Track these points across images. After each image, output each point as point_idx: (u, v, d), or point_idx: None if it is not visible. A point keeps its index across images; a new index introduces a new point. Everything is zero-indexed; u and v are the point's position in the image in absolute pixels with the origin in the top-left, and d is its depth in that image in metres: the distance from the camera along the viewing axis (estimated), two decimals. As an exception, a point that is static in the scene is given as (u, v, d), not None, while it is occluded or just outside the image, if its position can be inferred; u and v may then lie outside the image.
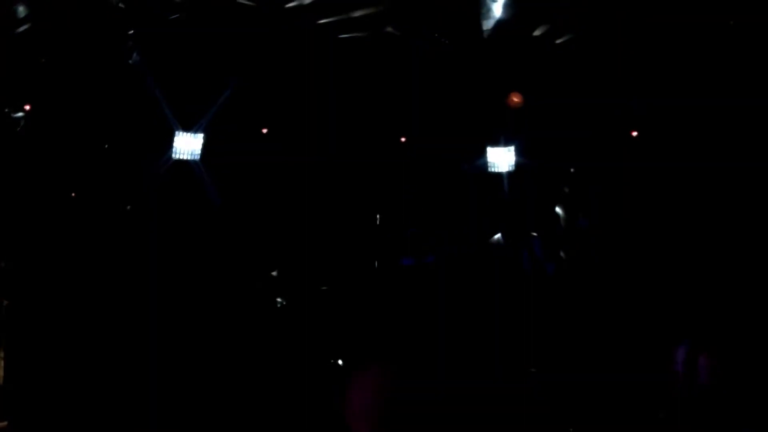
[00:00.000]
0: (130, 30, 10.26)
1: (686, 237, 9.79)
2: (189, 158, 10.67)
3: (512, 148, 11.23)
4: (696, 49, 10.27)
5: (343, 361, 8.05)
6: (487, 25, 10.60)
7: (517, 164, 11.26)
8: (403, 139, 11.58)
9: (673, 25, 10.03)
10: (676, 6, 9.71)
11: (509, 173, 11.24)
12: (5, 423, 7.69)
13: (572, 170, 11.09)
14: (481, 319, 8.38)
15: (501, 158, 11.29)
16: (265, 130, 11.30)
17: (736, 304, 7.71)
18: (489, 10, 10.56)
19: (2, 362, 8.28)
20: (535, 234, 9.96)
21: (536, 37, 10.81)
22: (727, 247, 9.39)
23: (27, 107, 10.26)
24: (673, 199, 10.34)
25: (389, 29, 10.90)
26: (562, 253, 10.04)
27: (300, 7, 10.42)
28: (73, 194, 10.49)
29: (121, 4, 10.06)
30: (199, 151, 10.70)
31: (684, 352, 4.78)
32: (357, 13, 10.63)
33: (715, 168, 10.23)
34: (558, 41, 10.77)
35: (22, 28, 9.81)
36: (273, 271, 10.63)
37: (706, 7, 9.55)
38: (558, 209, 10.65)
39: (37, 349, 8.72)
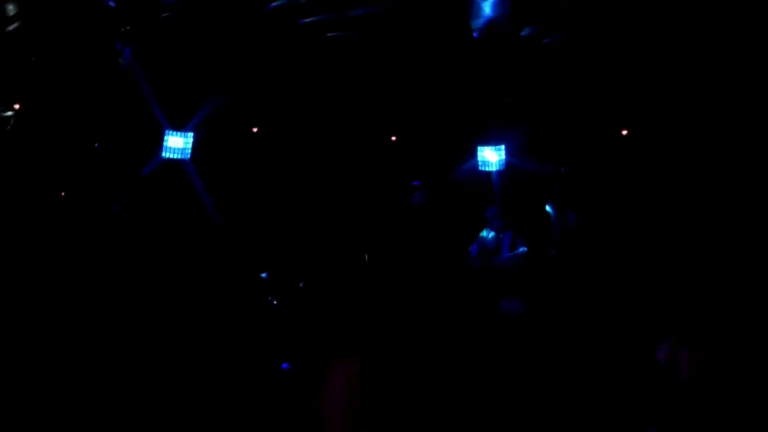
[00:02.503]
0: (121, 29, 10.25)
1: (672, 234, 9.83)
2: (179, 157, 10.66)
3: (503, 148, 11.24)
4: (692, 51, 10.28)
5: (320, 352, 8.03)
6: (477, 24, 10.61)
7: (508, 164, 11.28)
8: (393, 138, 11.63)
9: (667, 26, 10.03)
10: (671, 6, 9.71)
11: (499, 172, 11.26)
12: None
13: (562, 170, 11.09)
14: (463, 315, 8.40)
15: (492, 157, 11.30)
16: (255, 129, 11.35)
17: (718, 299, 7.74)
18: (479, 10, 10.57)
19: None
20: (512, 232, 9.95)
21: (527, 37, 10.82)
22: (712, 244, 9.43)
23: (16, 106, 10.26)
24: (662, 198, 10.38)
25: (379, 30, 10.92)
26: (551, 252, 10.05)
27: (291, 7, 10.42)
28: (63, 193, 10.50)
29: (111, 3, 10.05)
30: (190, 151, 10.70)
31: (666, 348, 4.76)
32: (347, 14, 10.64)
33: (704, 170, 10.28)
34: (548, 41, 10.78)
35: (11, 27, 9.81)
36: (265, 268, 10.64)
37: (703, 8, 9.54)
38: (548, 208, 10.66)
39: (28, 349, 8.70)
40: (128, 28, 10.20)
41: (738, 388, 4.51)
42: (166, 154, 10.66)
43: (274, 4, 10.15)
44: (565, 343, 8.36)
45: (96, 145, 10.67)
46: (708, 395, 4.48)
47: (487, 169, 11.28)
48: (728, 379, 4.44)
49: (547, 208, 10.67)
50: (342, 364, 3.59)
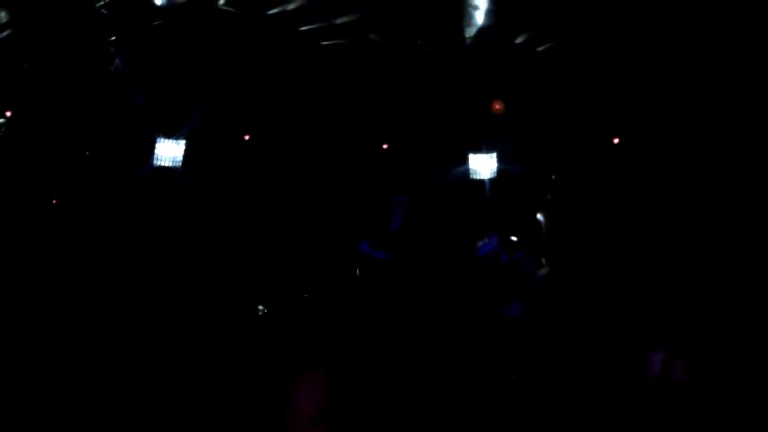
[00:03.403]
0: (113, 36, 10.24)
1: (666, 238, 9.84)
2: (170, 165, 10.65)
3: (494, 155, 11.27)
4: (690, 52, 10.30)
5: (287, 362, 7.99)
6: (470, 32, 10.64)
7: (499, 171, 11.31)
8: (385, 146, 11.63)
9: (656, 29, 10.06)
10: (660, 8, 9.72)
11: (491, 180, 11.29)
12: None
13: (554, 177, 11.13)
14: (456, 321, 8.40)
15: (483, 165, 11.32)
16: (247, 137, 11.34)
17: (714, 305, 7.74)
18: (471, 17, 10.60)
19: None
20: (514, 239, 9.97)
21: (518, 44, 10.86)
22: (708, 249, 9.43)
23: (8, 113, 10.24)
24: (655, 202, 10.42)
25: (372, 36, 10.93)
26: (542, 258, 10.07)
27: (282, 14, 10.44)
28: (54, 201, 10.48)
29: (103, 10, 10.05)
30: (181, 158, 10.68)
31: (661, 354, 4.78)
32: (339, 20, 10.66)
33: (697, 169, 10.29)
34: (540, 48, 10.82)
35: (3, 34, 9.79)
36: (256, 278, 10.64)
37: (697, 9, 9.55)
38: (539, 215, 10.69)
39: (25, 352, 8.68)
40: (120, 35, 10.20)
41: (733, 394, 4.52)
42: (157, 162, 10.65)
43: (271, 11, 10.18)
44: (559, 346, 8.37)
45: (88, 152, 10.65)
46: (702, 401, 4.48)
47: (478, 176, 11.32)
48: (722, 385, 4.44)
49: (538, 215, 10.71)
50: (309, 376, 3.56)
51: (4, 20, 9.72)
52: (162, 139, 10.63)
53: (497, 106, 11.06)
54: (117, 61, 10.29)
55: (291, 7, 10.41)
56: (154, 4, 10.10)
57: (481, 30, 10.64)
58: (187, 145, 10.66)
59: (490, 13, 10.46)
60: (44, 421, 7.40)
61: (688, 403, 4.45)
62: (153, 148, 10.58)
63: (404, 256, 10.18)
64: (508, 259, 9.69)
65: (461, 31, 10.64)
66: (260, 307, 10.33)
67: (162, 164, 10.64)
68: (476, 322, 8.88)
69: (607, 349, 7.52)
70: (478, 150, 11.30)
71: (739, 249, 9.39)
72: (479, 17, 10.60)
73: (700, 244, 9.56)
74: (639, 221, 10.46)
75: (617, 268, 9.87)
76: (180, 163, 10.69)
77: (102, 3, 9.93)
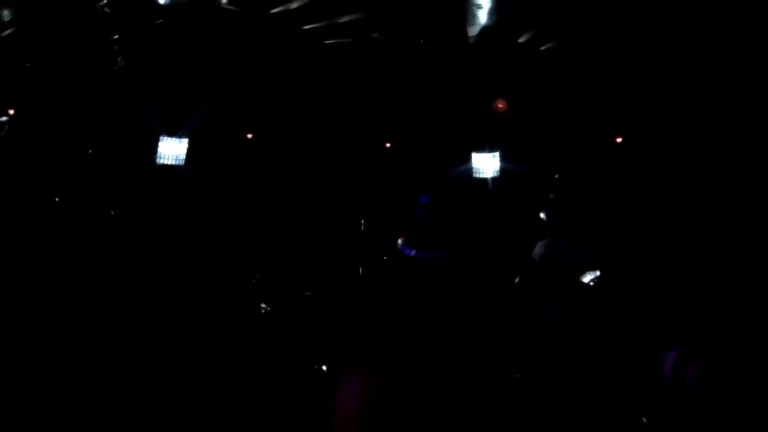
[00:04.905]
0: (116, 35, 10.23)
1: (680, 237, 9.83)
2: (173, 163, 10.64)
3: (497, 154, 11.27)
4: (681, 57, 10.31)
5: (331, 363, 8.02)
6: (473, 31, 10.63)
7: (502, 170, 11.31)
8: (387, 145, 11.64)
9: (661, 30, 10.06)
10: (666, 9, 9.72)
11: (494, 179, 11.29)
12: None
13: (557, 176, 11.14)
14: (470, 321, 8.39)
15: (486, 164, 11.32)
16: (249, 135, 11.34)
17: (729, 311, 7.67)
18: (475, 16, 10.58)
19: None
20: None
21: (522, 43, 10.85)
22: (720, 249, 9.40)
23: (11, 111, 10.24)
24: (664, 199, 10.42)
25: (374, 35, 10.92)
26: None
27: (285, 13, 10.43)
28: (56, 199, 10.48)
29: (106, 9, 10.03)
30: (184, 156, 10.68)
31: (673, 358, 4.71)
32: (342, 19, 10.64)
33: (708, 166, 10.29)
34: (543, 47, 10.81)
35: (6, 32, 9.78)
36: (257, 275, 10.62)
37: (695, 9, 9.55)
38: (542, 214, 10.67)
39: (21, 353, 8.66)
40: (123, 33, 10.18)
41: (752, 405, 4.39)
42: (160, 160, 10.65)
43: (273, 10, 10.15)
44: (560, 345, 8.36)
45: (90, 150, 10.65)
46: (717, 413, 4.35)
47: (481, 175, 11.32)
48: (740, 395, 4.31)
49: (542, 215, 10.68)
50: (352, 377, 3.57)
51: (6, 19, 9.70)
52: (165, 138, 10.62)
53: (500, 105, 11.06)
54: (120, 59, 10.28)
55: (294, 5, 10.39)
56: (157, 3, 10.07)
57: (485, 29, 10.62)
58: (189, 143, 10.67)
59: (494, 11, 10.44)
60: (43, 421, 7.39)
61: (701, 410, 4.36)
62: (156, 146, 10.58)
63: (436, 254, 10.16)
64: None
65: (464, 30, 10.62)
66: (263, 305, 10.32)
67: (165, 162, 10.64)
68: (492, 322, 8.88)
69: (616, 348, 7.50)
70: (481, 149, 11.30)
71: (754, 245, 9.36)
72: (483, 16, 10.58)
73: (708, 240, 9.55)
74: (642, 219, 10.48)
75: (622, 266, 9.86)
76: (183, 161, 10.69)
77: (105, 1, 9.91)
